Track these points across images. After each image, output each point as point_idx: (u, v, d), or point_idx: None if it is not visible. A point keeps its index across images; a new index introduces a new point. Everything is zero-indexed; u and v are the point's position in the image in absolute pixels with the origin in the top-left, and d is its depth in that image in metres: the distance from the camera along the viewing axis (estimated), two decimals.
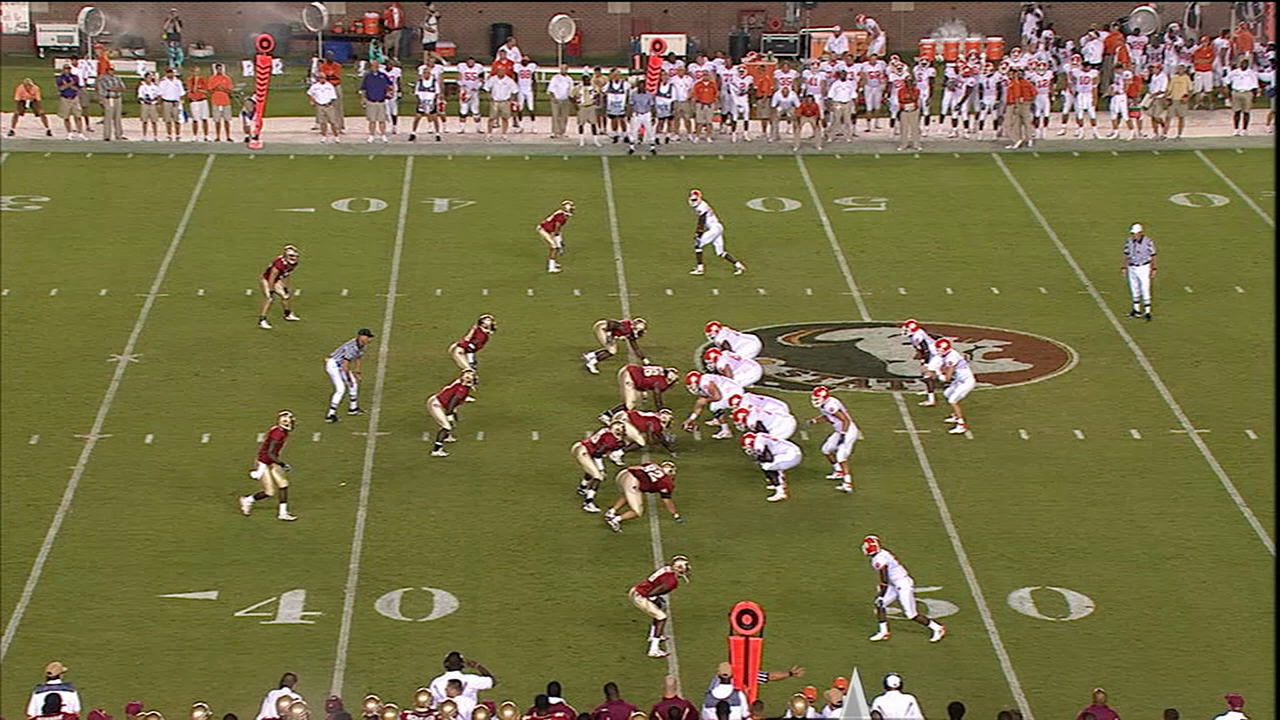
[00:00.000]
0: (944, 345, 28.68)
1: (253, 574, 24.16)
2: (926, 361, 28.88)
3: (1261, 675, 21.51)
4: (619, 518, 25.13)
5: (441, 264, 35.57)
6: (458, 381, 27.46)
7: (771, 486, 26.11)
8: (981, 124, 43.48)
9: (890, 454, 27.66)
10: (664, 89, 42.73)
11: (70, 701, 19.79)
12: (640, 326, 29.96)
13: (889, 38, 48.64)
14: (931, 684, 21.18)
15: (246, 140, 42.45)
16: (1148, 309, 32.45)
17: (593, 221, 37.30)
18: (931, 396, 29.05)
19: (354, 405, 28.59)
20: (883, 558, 22.69)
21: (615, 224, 37.69)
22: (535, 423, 28.52)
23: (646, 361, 29.08)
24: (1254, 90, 43.78)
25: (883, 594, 22.67)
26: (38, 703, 19.76)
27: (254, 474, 25.21)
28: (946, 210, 38.90)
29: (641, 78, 43.25)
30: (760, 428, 26.55)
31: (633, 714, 19.33)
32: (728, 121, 43.56)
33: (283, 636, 22.77)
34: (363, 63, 46.10)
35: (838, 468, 26.28)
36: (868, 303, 33.71)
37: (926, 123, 43.65)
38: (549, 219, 34.64)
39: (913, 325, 29.19)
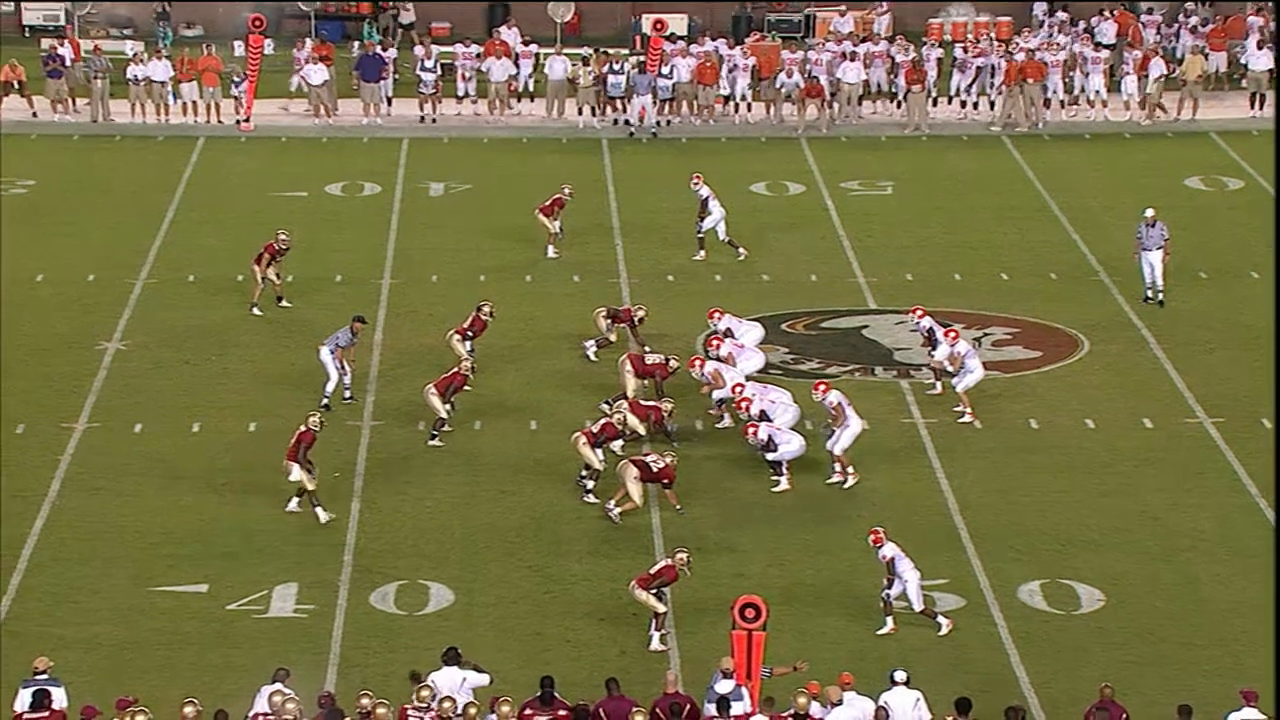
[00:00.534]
0: (952, 334, 28.66)
1: (244, 566, 24.17)
2: (934, 349, 28.88)
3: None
4: (619, 509, 25.15)
5: (437, 249, 35.56)
6: (455, 370, 27.47)
7: (775, 478, 26.12)
8: (992, 105, 43.44)
9: (897, 444, 27.66)
10: (665, 70, 42.71)
11: (58, 697, 19.79)
12: (641, 314, 29.97)
13: (895, 17, 48.59)
14: (939, 679, 21.19)
15: (237, 122, 42.43)
16: (1161, 295, 32.44)
17: (592, 206, 37.28)
18: (939, 385, 29.05)
19: (348, 394, 28.59)
20: (889, 549, 22.71)
21: (615, 208, 37.68)
22: (533, 412, 28.53)
23: (647, 349, 29.10)
24: (1270, 70, 43.75)
25: (889, 586, 22.69)
26: (24, 698, 19.77)
27: (290, 477, 25.06)
28: (954, 194, 38.87)
29: (642, 58, 43.22)
30: (763, 416, 26.55)
31: (633, 710, 19.34)
32: (730, 103, 43.54)
33: (275, 630, 22.78)
34: (357, 43, 46.07)
35: (836, 466, 26.11)
36: (874, 289, 33.70)
37: (934, 104, 43.61)
38: (547, 203, 34.63)
39: (919, 312, 29.19)
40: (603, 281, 33.87)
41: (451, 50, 44.08)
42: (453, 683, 20.08)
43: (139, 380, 29.73)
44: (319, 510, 25.11)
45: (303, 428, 25.15)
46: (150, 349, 30.87)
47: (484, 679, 20.35)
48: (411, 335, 31.34)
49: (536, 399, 28.94)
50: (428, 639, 22.24)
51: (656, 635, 22.28)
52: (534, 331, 31.45)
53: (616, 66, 42.77)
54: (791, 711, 19.41)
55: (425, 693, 19.65)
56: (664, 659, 22.10)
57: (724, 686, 20.01)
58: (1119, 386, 29.77)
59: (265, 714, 19.54)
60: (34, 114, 42.89)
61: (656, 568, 22.48)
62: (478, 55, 43.55)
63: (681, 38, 45.18)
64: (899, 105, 43.55)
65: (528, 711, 19.59)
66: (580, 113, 42.96)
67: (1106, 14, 46.08)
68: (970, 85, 43.44)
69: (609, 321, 30.19)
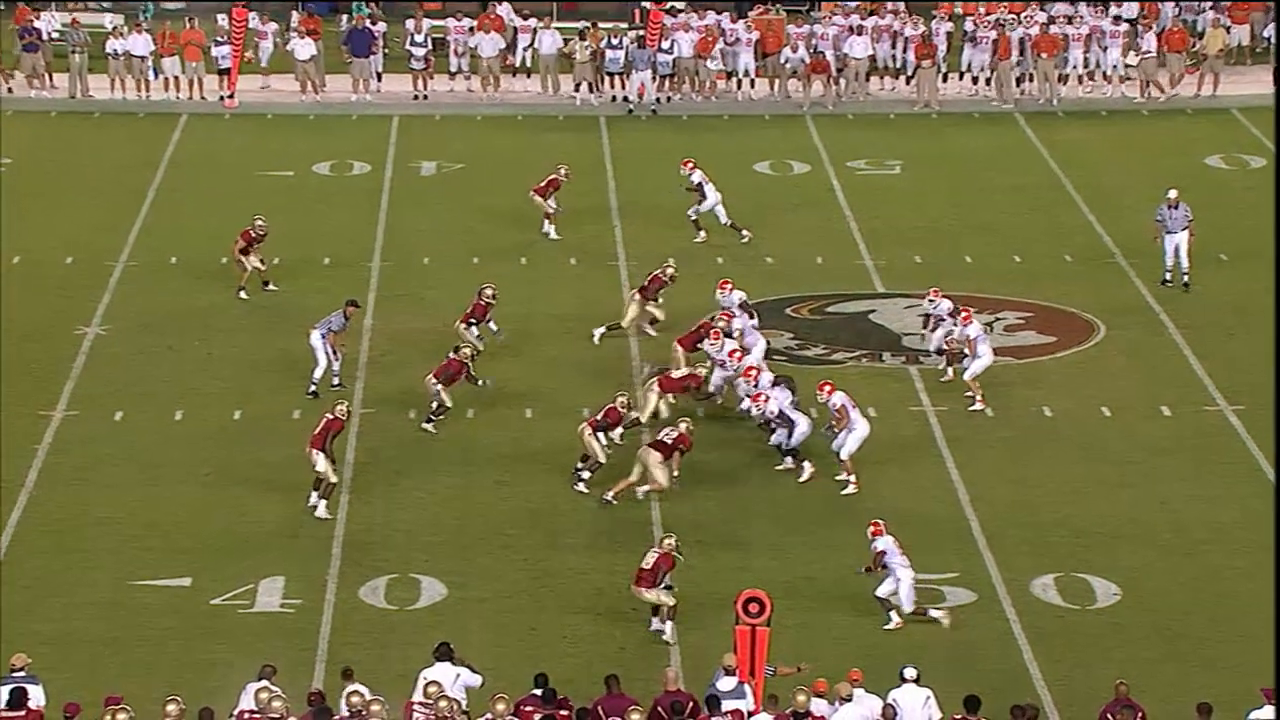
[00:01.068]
0: (965, 315, 28.62)
1: (229, 559, 24.19)
2: (933, 331, 28.88)
3: None
4: (645, 487, 25.25)
5: (429, 231, 35.56)
6: (451, 356, 27.45)
7: (792, 465, 26.01)
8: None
9: (905, 432, 27.68)
10: (665, 45, 42.68)
11: (36, 696, 19.80)
12: (670, 271, 30.04)
13: None
14: (950, 676, 21.20)
15: (221, 99, 42.42)
16: (1185, 278, 32.40)
17: (590, 186, 37.28)
18: (950, 371, 29.05)
19: (336, 380, 28.60)
20: (883, 543, 22.64)
21: (613, 188, 37.66)
22: (529, 399, 28.54)
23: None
24: None
25: (880, 584, 22.60)
26: (1, 696, 19.78)
27: (317, 466, 24.94)
28: (966, 173, 38.86)
29: (641, 33, 43.18)
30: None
31: (632, 708, 19.37)
32: (733, 79, 43.52)
33: (261, 626, 22.81)
34: (345, 16, 46.03)
35: (845, 468, 26.02)
36: (881, 272, 33.70)
37: (944, 80, 43.58)
38: (542, 183, 34.63)
39: (936, 293, 29.11)
40: (601, 264, 33.87)
41: (443, 24, 44.04)
42: (445, 680, 20.09)
43: (119, 367, 29.74)
44: (322, 503, 24.97)
45: (330, 415, 25.06)
46: (131, 334, 30.88)
47: (476, 680, 20.35)
48: (402, 320, 31.34)
49: (532, 386, 28.95)
50: (419, 634, 22.26)
51: (669, 626, 22.31)
52: (529, 316, 31.45)
53: (615, 41, 42.74)
54: (791, 710, 19.43)
55: (433, 689, 19.66)
56: (664, 655, 22.13)
57: (726, 684, 20.03)
58: (1136, 373, 29.79)
59: (251, 712, 19.56)
60: (9, 89, 42.88)
61: (650, 562, 22.46)
62: (470, 29, 43.52)
63: (682, 11, 45.10)
64: (908, 81, 43.53)
65: (527, 708, 19.62)
66: (577, 89, 42.93)
67: None
68: (984, 61, 43.37)
69: (640, 299, 29.96)
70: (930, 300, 29.30)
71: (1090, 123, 41.93)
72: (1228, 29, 44.51)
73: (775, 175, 38.79)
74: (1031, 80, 43.23)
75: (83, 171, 38.42)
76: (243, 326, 31.16)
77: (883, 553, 22.57)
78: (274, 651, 21.52)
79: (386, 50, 43.85)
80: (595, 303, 32.02)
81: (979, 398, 28.25)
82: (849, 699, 19.73)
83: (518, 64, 44.14)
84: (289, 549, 24.49)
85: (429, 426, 27.25)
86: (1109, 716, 19.77)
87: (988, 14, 44.31)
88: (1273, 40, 44.15)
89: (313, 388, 28.34)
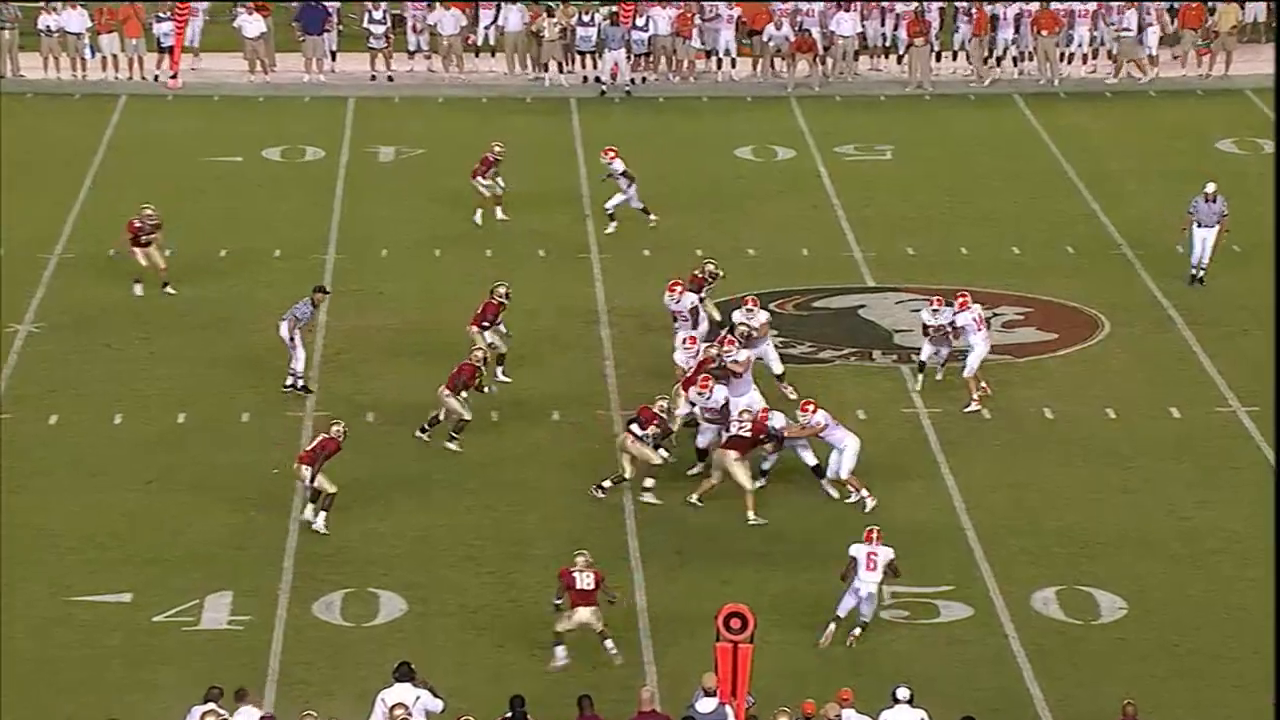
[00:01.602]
0: (962, 300, 28.43)
1: (173, 573, 24.18)
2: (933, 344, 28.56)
3: None
4: (698, 494, 25.29)
5: (387, 220, 35.55)
6: (464, 361, 27.26)
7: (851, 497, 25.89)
8: (1000, 60, 43.52)
9: (897, 435, 27.76)
10: (640, 21, 42.74)
11: None
12: (710, 266, 29.71)
13: None
14: (945, 696, 21.27)
15: (157, 78, 42.33)
16: (1201, 273, 32.37)
17: (559, 172, 37.34)
18: (940, 374, 29.00)
19: (290, 380, 28.53)
20: (857, 550, 22.65)
21: (585, 175, 37.69)
22: (495, 401, 28.55)
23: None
24: None
25: (842, 595, 22.58)
26: None
27: (308, 481, 24.88)
28: (961, 159, 38.97)
29: (615, 8, 43.23)
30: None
31: None
32: (713, 58, 43.57)
33: (207, 644, 22.81)
34: None
35: (847, 487, 25.79)
36: (871, 264, 33.78)
37: (938, 60, 43.70)
38: (477, 164, 34.68)
39: (940, 301, 28.49)
40: (571, 256, 33.91)
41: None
42: (405, 703, 20.11)
43: (54, 366, 29.70)
44: (321, 516, 24.85)
45: (326, 435, 24.99)
46: (67, 332, 30.84)
47: (438, 705, 20.37)
48: (359, 316, 31.35)
49: (499, 386, 28.94)
50: (378, 653, 22.28)
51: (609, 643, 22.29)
52: None
53: (586, 18, 42.78)
54: None
55: (399, 712, 19.68)
56: (640, 674, 22.16)
57: (706, 705, 20.08)
58: (1143, 371, 29.90)
59: None
60: None
61: (592, 582, 22.22)
62: (429, 5, 43.53)
63: None
64: (899, 60, 43.63)
65: None
66: (545, 69, 42.96)
67: None
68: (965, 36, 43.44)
69: (693, 294, 29.19)
70: (934, 310, 28.82)
71: (1094, 105, 42.07)
72: (1242, 4, 44.62)
73: (758, 161, 38.85)
74: (1030, 59, 43.37)
75: (14, 157, 38.32)
76: (186, 323, 31.13)
77: (854, 561, 22.55)
78: (221, 672, 21.53)
79: (341, 27, 43.85)
80: (566, 296, 32.08)
81: (975, 398, 28.33)
82: (836, 718, 19.79)
83: (480, 42, 44.16)
84: (237, 562, 24.49)
85: (453, 445, 27.01)
86: None
87: None
88: None
89: (300, 382, 28.29)
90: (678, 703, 20.78)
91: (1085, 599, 23.90)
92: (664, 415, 25.81)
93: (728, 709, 20.15)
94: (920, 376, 28.73)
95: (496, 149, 34.88)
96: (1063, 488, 26.53)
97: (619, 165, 34.34)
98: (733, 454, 25.30)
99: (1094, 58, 43.75)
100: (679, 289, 28.83)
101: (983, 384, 28.39)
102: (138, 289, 31.80)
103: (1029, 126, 40.76)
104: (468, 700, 20.80)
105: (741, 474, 25.23)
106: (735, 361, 26.69)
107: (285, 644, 22.79)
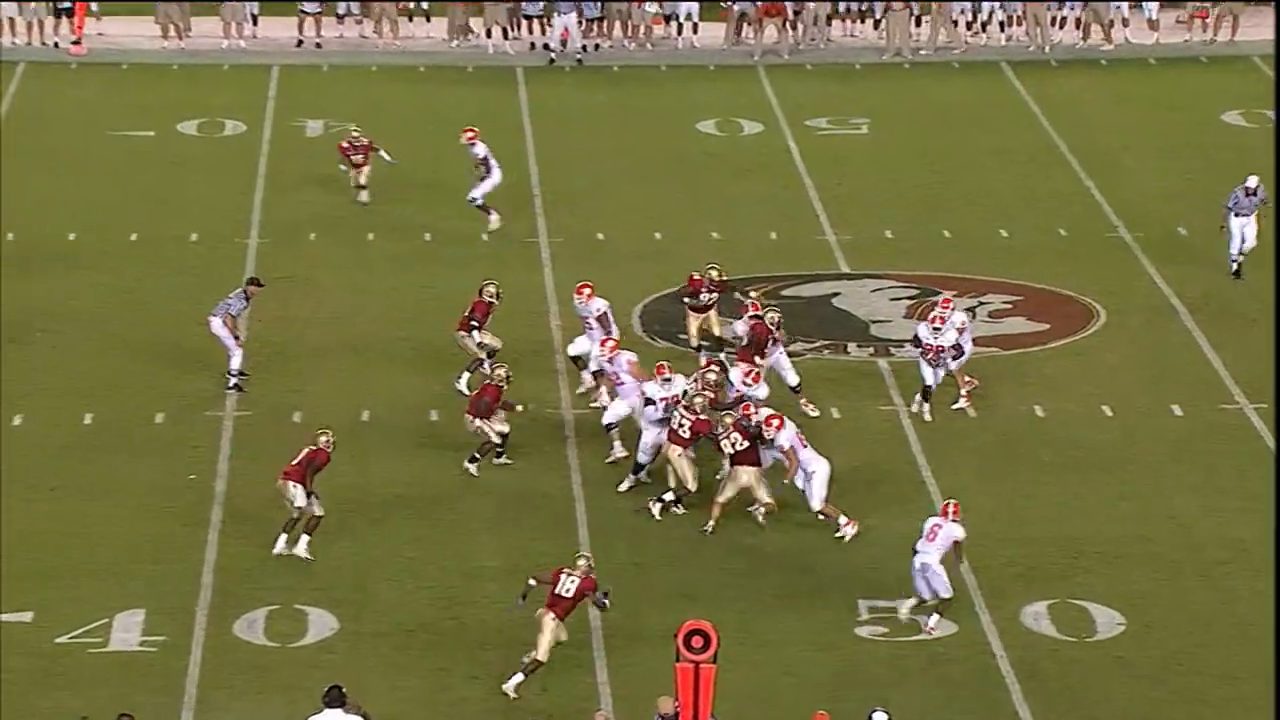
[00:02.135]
0: (944, 300, 28.53)
1: (79, 590, 24.11)
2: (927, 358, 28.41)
3: None
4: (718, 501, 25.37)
5: (316, 202, 35.51)
6: (485, 383, 26.94)
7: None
8: (985, 26, 43.64)
9: (874, 434, 27.81)
10: None
11: None
12: (714, 272, 29.22)
13: None
14: (928, 718, 21.38)
15: (58, 44, 42.20)
16: (1238, 263, 32.19)
17: (504, 148, 37.23)
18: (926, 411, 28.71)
19: (233, 380, 28.41)
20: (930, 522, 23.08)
21: (532, 151, 37.69)
22: (432, 398, 28.53)
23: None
24: None
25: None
26: None
27: (296, 502, 24.59)
28: (944, 133, 39.07)
29: None
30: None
31: None
32: (673, 23, 43.61)
33: (117, 667, 22.75)
34: None
35: (821, 516, 25.67)
36: (845, 248, 33.85)
37: (918, 24, 43.79)
38: (343, 143, 34.79)
39: (946, 303, 28.49)
40: (517, 242, 33.89)
41: None
42: None
43: None
44: (304, 540, 24.68)
45: (313, 446, 24.85)
46: None
47: None
48: (285, 307, 31.28)
49: (435, 382, 28.93)
50: (305, 676, 22.25)
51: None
52: (431, 302, 31.43)
53: None
54: None
55: None
56: (593, 696, 22.18)
57: None
58: (1142, 366, 30.00)
59: None
60: None
61: (573, 589, 22.30)
62: None
63: None
64: (876, 25, 43.72)
65: None
66: (489, 35, 42.95)
67: None
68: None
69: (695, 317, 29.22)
70: (935, 328, 28.17)
71: (1088, 73, 42.20)
72: None
73: (722, 136, 38.89)
74: (1019, 24, 43.50)
75: None
76: (94, 316, 31.04)
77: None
78: (132, 697, 21.49)
79: None
80: (511, 286, 32.00)
81: (962, 395, 28.36)
82: None
83: (415, 5, 44.11)
84: (151, 577, 24.43)
85: (502, 460, 26.71)
86: None
87: None
88: None
89: (233, 379, 28.23)
90: None
91: (1080, 614, 23.98)
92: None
93: None
94: (926, 405, 28.10)
95: (352, 129, 34.93)
96: (1055, 493, 26.60)
97: (481, 149, 33.84)
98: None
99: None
100: (587, 292, 28.33)
101: (967, 377, 28.40)
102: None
103: (1018, 97, 40.88)
104: None
105: (763, 491, 25.21)
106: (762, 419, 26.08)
107: (204, 666, 22.74)
